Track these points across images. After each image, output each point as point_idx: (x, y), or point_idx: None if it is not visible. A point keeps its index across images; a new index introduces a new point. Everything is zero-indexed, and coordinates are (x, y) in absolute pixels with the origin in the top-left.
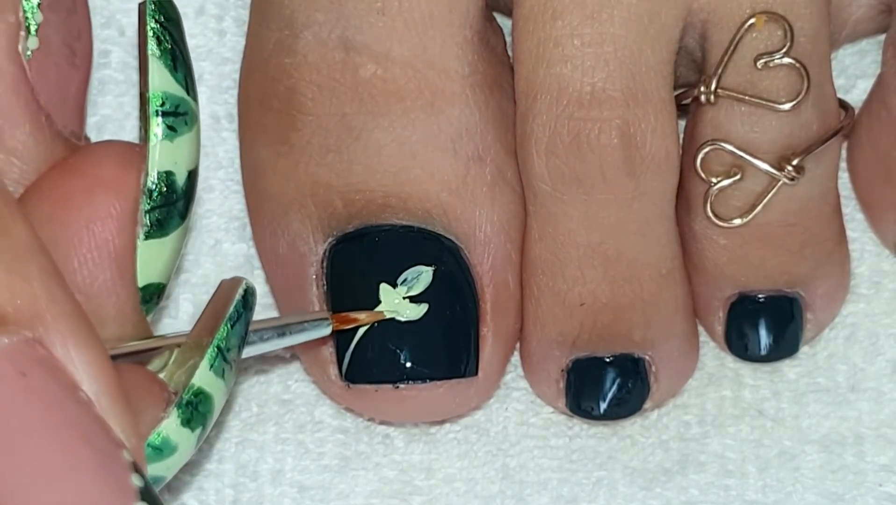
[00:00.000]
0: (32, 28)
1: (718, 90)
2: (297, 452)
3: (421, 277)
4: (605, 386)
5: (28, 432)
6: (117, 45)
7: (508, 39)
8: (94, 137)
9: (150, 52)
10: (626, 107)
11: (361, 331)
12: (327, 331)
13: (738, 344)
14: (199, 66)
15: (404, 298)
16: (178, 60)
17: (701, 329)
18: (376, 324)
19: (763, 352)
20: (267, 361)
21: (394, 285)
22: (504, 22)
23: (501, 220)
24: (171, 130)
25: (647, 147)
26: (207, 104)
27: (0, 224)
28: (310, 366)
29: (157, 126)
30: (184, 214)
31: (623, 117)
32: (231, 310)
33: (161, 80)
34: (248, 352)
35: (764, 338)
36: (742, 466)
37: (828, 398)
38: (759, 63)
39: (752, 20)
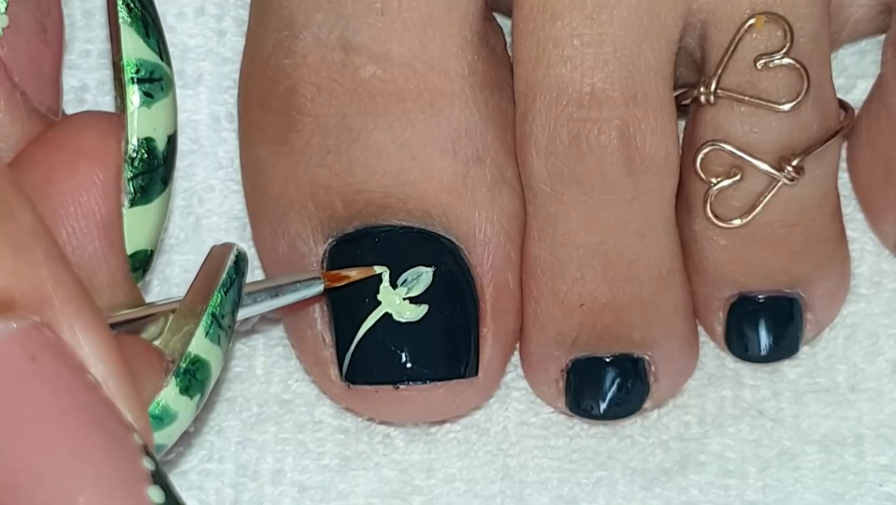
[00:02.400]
0: (2, 7)
1: (718, 91)
2: (297, 452)
3: (421, 277)
4: (605, 386)
5: (39, 417)
6: None
7: (508, 40)
8: None
9: (121, 19)
10: (626, 107)
11: (362, 331)
12: (319, 289)
13: (738, 344)
14: (199, 66)
15: (404, 298)
16: (150, 26)
17: (701, 329)
18: (376, 324)
19: (763, 352)
20: (267, 361)
21: (394, 286)
22: (504, 22)
23: (501, 221)
24: (148, 97)
25: (647, 147)
26: (207, 104)
27: (4, 208)
28: (310, 366)
29: (133, 93)
30: (166, 180)
31: (622, 118)
32: (224, 276)
33: (134, 46)
34: (243, 314)
35: (764, 338)
36: (742, 466)
37: (828, 398)
38: (759, 63)
39: (751, 20)
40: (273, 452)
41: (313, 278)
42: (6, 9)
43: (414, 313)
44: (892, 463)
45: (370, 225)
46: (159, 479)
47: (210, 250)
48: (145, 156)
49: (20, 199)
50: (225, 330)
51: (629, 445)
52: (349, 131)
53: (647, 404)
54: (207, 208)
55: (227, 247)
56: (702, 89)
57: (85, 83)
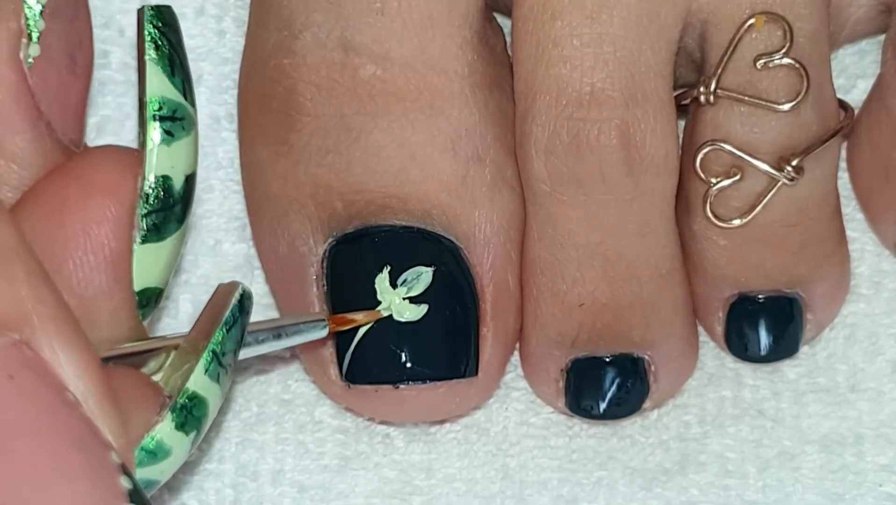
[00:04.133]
0: (34, 36)
1: (718, 90)
2: (297, 452)
3: (421, 277)
4: (605, 386)
5: (17, 435)
6: (117, 46)
7: (508, 39)
8: (94, 137)
9: (147, 57)
10: (626, 107)
11: (362, 331)
12: (324, 333)
13: (738, 344)
14: (199, 67)
15: (404, 298)
16: (176, 65)
17: (701, 329)
18: (376, 324)
19: (763, 352)
20: (267, 362)
21: (394, 286)
22: (504, 22)
23: (501, 220)
24: (169, 135)
25: (647, 147)
26: (207, 104)
27: None
28: (310, 366)
29: (154, 130)
30: (181, 219)
31: (622, 118)
32: (227, 314)
33: (159, 84)
34: (245, 354)
35: (764, 338)
36: (742, 466)
37: (828, 398)
38: (759, 63)
39: (751, 20)
40: (273, 452)
41: (318, 321)
42: (38, 38)
43: (414, 313)
44: (892, 463)
45: (370, 225)
46: (136, 497)
47: (216, 288)
48: (161, 194)
49: (0, 216)
50: (225, 368)
51: (629, 445)
52: (349, 131)
53: (646, 404)
54: (207, 208)
55: (232, 285)
56: (702, 89)
57: None
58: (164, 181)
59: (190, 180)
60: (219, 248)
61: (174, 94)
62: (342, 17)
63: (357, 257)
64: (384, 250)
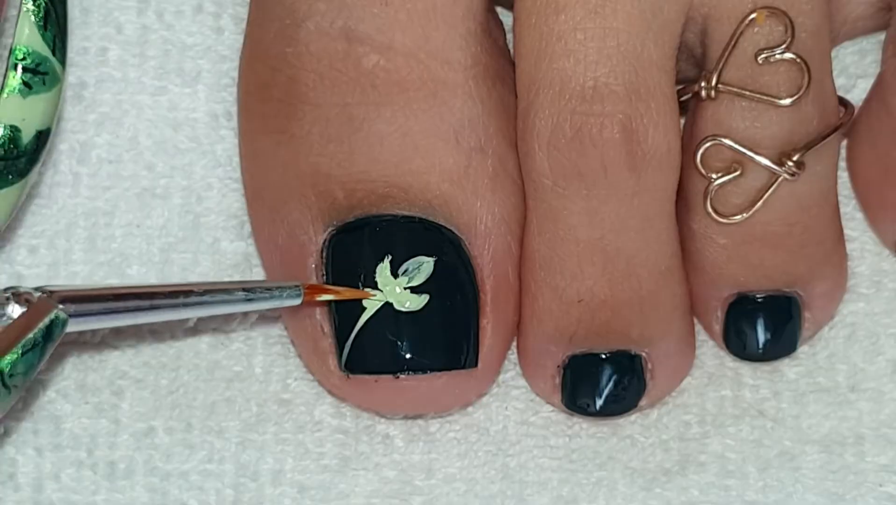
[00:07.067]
0: None
1: (719, 85)
2: (297, 453)
3: (422, 267)
4: (602, 382)
5: None
6: (115, 43)
7: (509, 36)
8: (92, 134)
9: (23, 6)
10: (629, 102)
11: (362, 321)
12: (298, 301)
13: (736, 343)
14: (197, 64)
15: (405, 288)
16: (51, 20)
17: (699, 328)
18: (376, 314)
19: (761, 351)
20: (267, 360)
21: (395, 275)
22: (504, 17)
23: (502, 212)
24: (26, 87)
25: (650, 142)
26: (205, 102)
27: None
28: (308, 357)
29: (12, 79)
30: (23, 172)
31: (625, 112)
32: (30, 335)
33: (28, 35)
34: (216, 311)
35: (762, 337)
36: (742, 466)
37: (828, 398)
38: (760, 58)
39: (753, 15)
40: (273, 452)
41: (294, 286)
42: None
43: (415, 303)
44: (893, 463)
45: (371, 214)
46: None
47: (36, 300)
48: (6, 143)
49: None
50: (8, 389)
51: (629, 446)
52: (351, 120)
53: (642, 402)
54: (206, 206)
55: (48, 306)
56: (703, 84)
57: (83, 80)
58: (13, 131)
59: (42, 136)
60: (217, 247)
61: (42, 48)
62: (345, 6)
63: (358, 247)
64: (385, 240)
